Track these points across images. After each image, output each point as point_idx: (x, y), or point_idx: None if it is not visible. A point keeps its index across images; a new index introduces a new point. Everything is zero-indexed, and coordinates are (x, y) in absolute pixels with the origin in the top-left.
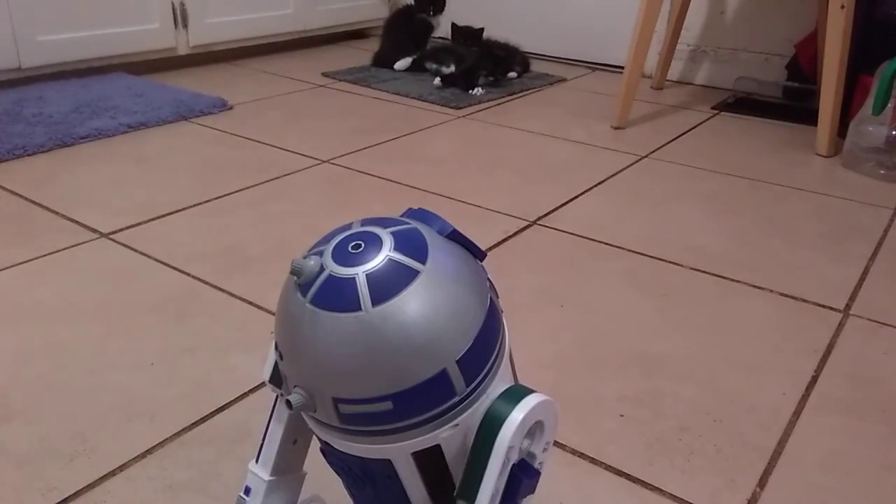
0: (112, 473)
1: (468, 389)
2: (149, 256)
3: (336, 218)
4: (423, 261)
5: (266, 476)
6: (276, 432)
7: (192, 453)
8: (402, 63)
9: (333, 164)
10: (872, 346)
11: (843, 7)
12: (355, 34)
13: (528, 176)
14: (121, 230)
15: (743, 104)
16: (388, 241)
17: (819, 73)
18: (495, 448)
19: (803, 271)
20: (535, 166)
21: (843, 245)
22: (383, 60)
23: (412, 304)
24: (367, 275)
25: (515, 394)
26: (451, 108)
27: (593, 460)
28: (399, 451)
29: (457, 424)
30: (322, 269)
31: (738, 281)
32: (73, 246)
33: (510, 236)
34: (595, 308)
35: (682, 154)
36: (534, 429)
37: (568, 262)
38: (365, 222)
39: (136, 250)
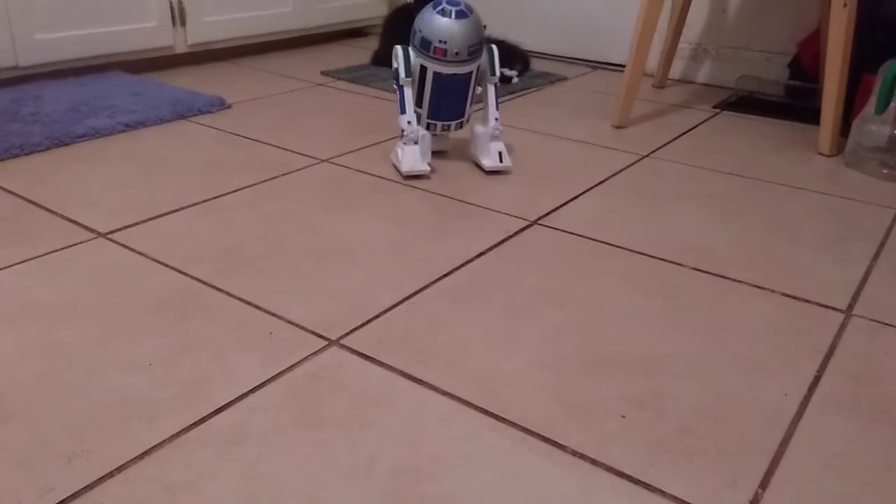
0: (110, 474)
1: (486, 45)
2: (147, 256)
3: (336, 217)
4: (471, 7)
5: (414, 117)
6: (409, 94)
7: (190, 454)
8: None
9: (333, 163)
10: (875, 347)
11: (845, 5)
12: (354, 33)
13: (529, 175)
14: (119, 230)
15: (745, 103)
16: (462, 2)
17: (821, 72)
18: (494, 52)
19: (805, 271)
20: (536, 166)
21: (845, 245)
22: (383, 59)
23: (477, 15)
24: (464, 7)
25: (491, 44)
26: None
27: (594, 461)
28: (475, 67)
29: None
30: (450, 8)
31: (739, 281)
32: (70, 246)
33: (510, 236)
34: (596, 308)
35: (683, 153)
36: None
37: (568, 262)
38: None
39: (134, 250)
